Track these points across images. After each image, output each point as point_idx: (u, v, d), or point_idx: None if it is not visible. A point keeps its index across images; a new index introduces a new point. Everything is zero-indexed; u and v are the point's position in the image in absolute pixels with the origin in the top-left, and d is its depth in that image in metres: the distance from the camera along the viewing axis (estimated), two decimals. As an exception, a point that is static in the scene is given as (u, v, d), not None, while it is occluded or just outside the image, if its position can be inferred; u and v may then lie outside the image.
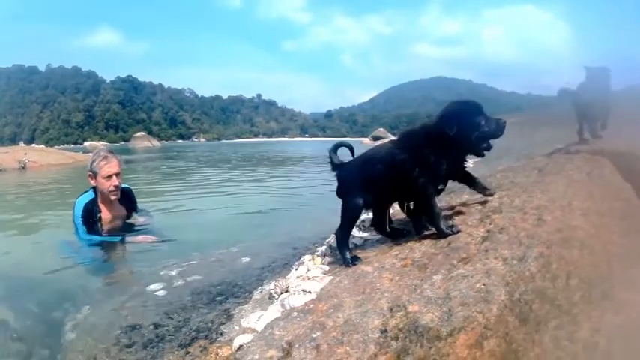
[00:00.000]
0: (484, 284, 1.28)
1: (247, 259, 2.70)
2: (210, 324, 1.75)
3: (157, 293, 2.23)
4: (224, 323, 1.70)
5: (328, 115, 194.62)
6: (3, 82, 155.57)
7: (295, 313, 1.40)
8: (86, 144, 58.74)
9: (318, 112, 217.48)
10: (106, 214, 3.44)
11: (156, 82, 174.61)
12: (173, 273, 2.51)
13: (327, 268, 1.75)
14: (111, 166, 3.33)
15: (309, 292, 1.50)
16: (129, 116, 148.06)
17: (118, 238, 3.28)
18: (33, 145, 27.33)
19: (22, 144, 24.44)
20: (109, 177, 3.32)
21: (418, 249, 1.65)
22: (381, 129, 43.70)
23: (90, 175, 3.39)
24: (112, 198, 3.40)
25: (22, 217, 4.79)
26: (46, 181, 9.62)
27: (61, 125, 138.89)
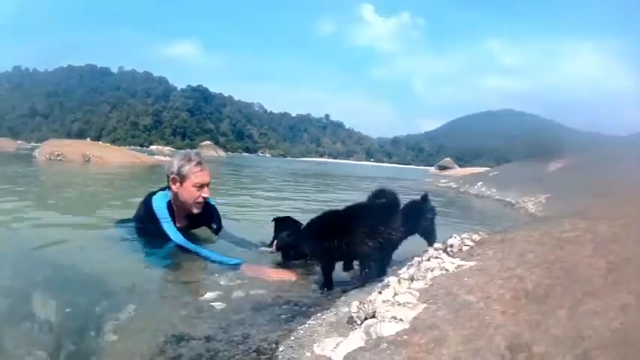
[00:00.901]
0: (621, 323, 1.04)
1: (317, 275, 2.44)
2: (274, 345, 1.50)
3: (213, 303, 2.01)
4: (292, 347, 1.44)
5: (395, 141, 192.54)
6: (75, 80, 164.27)
7: (385, 345, 1.20)
8: (152, 147, 61.27)
9: (384, 138, 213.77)
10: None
11: (226, 94, 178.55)
12: (232, 283, 2.31)
13: (417, 294, 1.55)
14: (205, 175, 2.92)
15: (401, 319, 1.29)
16: (196, 125, 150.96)
17: (237, 261, 2.61)
18: (99, 142, 28.73)
19: (88, 140, 25.95)
20: (201, 186, 2.90)
21: (528, 278, 1.40)
22: (448, 159, 42.42)
23: (174, 178, 2.88)
24: (195, 211, 2.95)
25: (83, 207, 4.78)
26: (109, 176, 9.89)
27: (129, 127, 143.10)
